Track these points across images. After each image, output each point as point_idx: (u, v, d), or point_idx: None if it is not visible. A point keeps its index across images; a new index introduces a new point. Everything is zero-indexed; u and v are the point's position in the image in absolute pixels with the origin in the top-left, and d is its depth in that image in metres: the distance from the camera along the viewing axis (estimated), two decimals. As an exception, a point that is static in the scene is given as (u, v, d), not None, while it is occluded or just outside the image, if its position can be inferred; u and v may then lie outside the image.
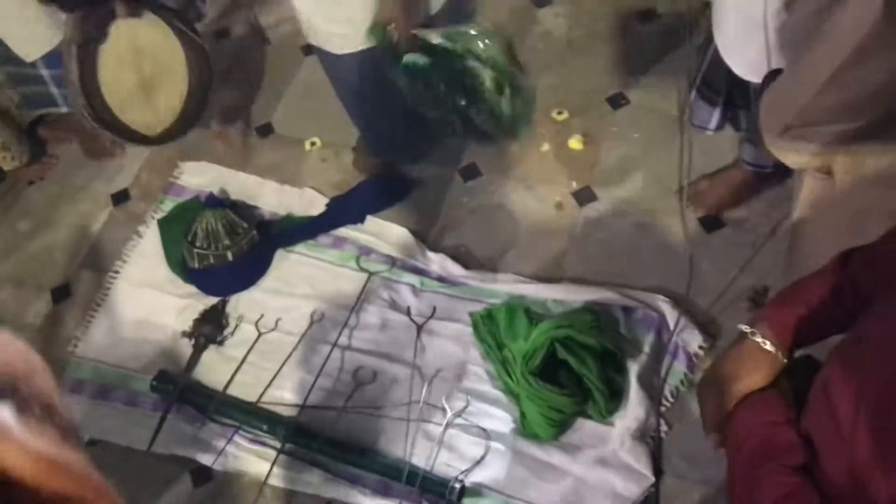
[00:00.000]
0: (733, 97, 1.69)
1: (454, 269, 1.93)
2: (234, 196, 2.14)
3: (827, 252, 1.16)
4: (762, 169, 1.80)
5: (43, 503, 0.27)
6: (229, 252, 1.93)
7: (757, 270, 1.79)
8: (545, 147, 2.11)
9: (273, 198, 2.14)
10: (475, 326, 1.81)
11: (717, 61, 1.53)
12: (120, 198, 2.26)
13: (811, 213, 1.33)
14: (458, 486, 1.64)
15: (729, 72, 1.49)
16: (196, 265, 1.95)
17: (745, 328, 0.98)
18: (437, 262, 1.95)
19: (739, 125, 1.77)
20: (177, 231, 2.01)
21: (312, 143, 2.23)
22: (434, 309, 1.87)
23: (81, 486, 0.27)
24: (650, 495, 1.60)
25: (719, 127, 1.77)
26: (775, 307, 0.98)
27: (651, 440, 1.66)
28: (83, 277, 2.12)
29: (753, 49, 1.36)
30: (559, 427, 1.67)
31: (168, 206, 2.17)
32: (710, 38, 1.55)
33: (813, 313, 0.94)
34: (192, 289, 1.99)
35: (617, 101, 2.17)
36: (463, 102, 1.68)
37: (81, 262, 2.15)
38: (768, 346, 0.96)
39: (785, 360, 0.96)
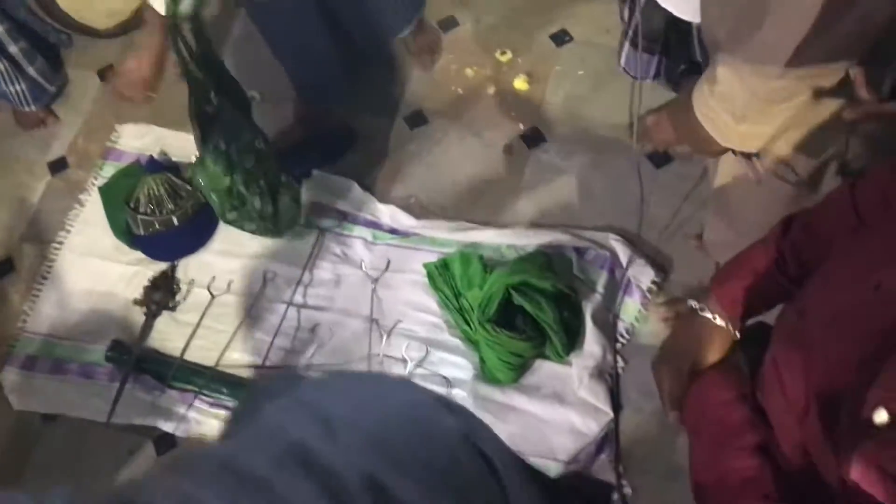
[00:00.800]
0: (670, 43, 1.65)
1: (405, 220, 1.91)
2: (175, 158, 2.08)
3: (748, 214, 1.17)
4: None
5: None
6: (174, 216, 1.88)
7: (701, 202, 1.80)
8: (491, 90, 2.09)
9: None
10: (430, 277, 1.80)
11: (652, 5, 1.49)
12: (57, 166, 2.19)
13: (732, 185, 1.36)
14: (422, 434, 1.65)
15: (666, 17, 1.45)
16: (141, 232, 1.90)
17: (695, 304, 0.99)
18: (388, 214, 1.93)
19: (673, 77, 1.73)
20: (119, 197, 1.95)
21: (252, 98, 2.16)
22: (388, 261, 1.86)
23: None
24: (610, 430, 1.64)
25: (657, 75, 1.74)
26: (721, 281, 0.99)
27: (609, 377, 1.69)
28: (25, 251, 2.06)
29: None
30: (518, 370, 1.69)
31: (108, 172, 2.11)
32: None
33: (759, 283, 0.94)
34: (139, 255, 1.95)
35: (560, 39, 2.14)
36: None
37: (22, 236, 2.09)
38: (718, 321, 0.97)
39: (736, 333, 0.97)
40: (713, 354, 0.97)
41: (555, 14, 2.17)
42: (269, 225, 1.80)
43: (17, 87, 2.12)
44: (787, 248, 0.92)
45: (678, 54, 1.59)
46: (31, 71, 2.14)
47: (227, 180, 1.66)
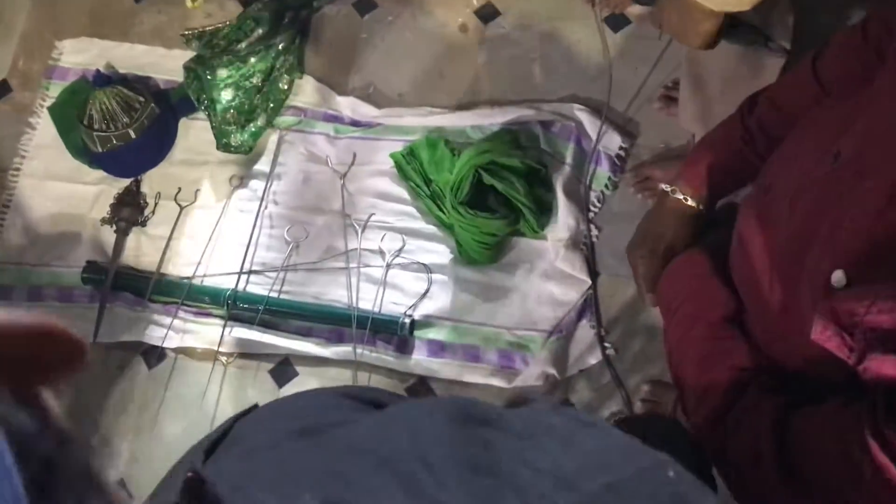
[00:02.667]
0: None
1: (367, 111, 1.88)
2: (122, 70, 2.01)
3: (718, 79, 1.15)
4: None
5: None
6: (131, 130, 1.83)
7: (667, 63, 1.79)
8: (440, -33, 2.02)
9: (164, 65, 2.02)
10: (398, 166, 1.80)
11: None
12: (0, 90, 2.11)
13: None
14: (407, 320, 1.69)
15: None
16: (99, 149, 1.85)
17: (666, 187, 1.00)
18: (348, 106, 1.89)
19: None
20: (70, 117, 1.89)
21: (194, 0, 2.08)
22: (354, 155, 1.85)
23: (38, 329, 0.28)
24: (589, 297, 1.68)
25: None
26: (691, 163, 1.00)
27: (584, 246, 1.72)
28: (-18, 182, 2.01)
29: None
30: (495, 249, 1.71)
31: (55, 91, 2.03)
32: None
33: (728, 162, 0.95)
34: (101, 174, 1.91)
35: None
36: None
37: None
38: (689, 202, 0.98)
39: (705, 211, 0.98)
40: (685, 235, 0.99)
41: None
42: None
43: None
44: (753, 124, 0.93)
45: None
46: None
47: None
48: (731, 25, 1.07)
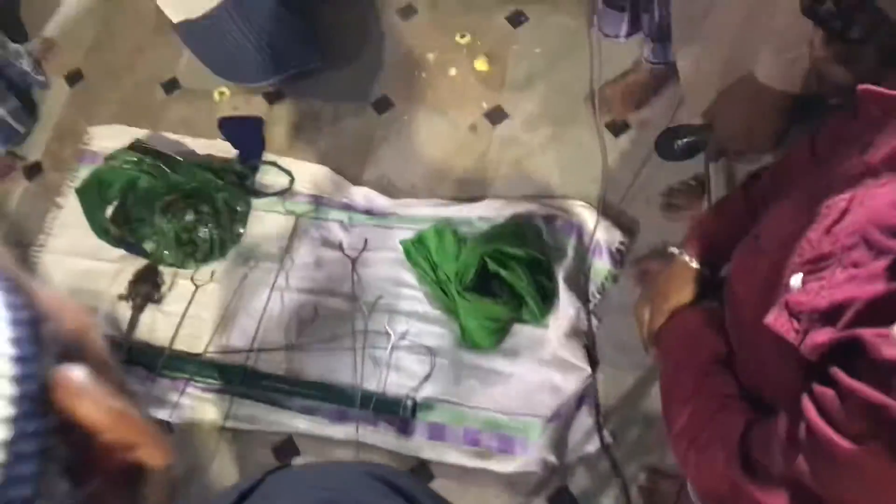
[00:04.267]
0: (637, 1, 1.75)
1: (379, 201, 1.98)
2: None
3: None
4: (664, 65, 1.88)
5: (111, 448, 0.32)
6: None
7: (666, 167, 1.89)
8: (453, 71, 2.16)
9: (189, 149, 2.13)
10: (407, 253, 1.87)
11: None
12: (33, 171, 2.22)
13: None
14: (409, 402, 1.73)
15: None
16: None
17: (674, 250, 1.10)
18: (362, 196, 2.00)
19: (642, 27, 1.83)
20: (96, 198, 2.00)
21: (221, 93, 2.22)
22: (365, 241, 1.93)
23: (140, 432, 0.33)
24: (588, 385, 1.72)
25: (629, 33, 1.83)
26: (698, 228, 1.11)
27: (584, 335, 1.78)
28: (6, 256, 2.08)
29: None
30: (498, 335, 1.77)
31: (83, 173, 2.14)
32: None
33: (732, 230, 1.05)
34: (122, 253, 1.99)
35: (516, 20, 2.22)
36: None
37: (2, 242, 2.11)
38: (693, 264, 1.07)
39: (708, 273, 1.07)
40: (687, 294, 1.08)
41: (509, -3, 2.25)
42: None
43: None
44: (755, 194, 1.02)
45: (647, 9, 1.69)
46: (1, 112, 2.14)
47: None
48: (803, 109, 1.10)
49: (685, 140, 1.39)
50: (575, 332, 1.76)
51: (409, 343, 1.81)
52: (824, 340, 0.64)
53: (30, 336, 0.30)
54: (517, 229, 1.84)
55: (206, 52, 2.07)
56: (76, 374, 0.31)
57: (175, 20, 1.94)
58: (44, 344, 0.30)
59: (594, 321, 1.80)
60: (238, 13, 1.90)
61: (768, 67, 0.99)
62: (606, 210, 1.89)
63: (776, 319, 0.70)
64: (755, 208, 1.02)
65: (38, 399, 0.29)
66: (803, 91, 1.02)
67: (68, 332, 0.33)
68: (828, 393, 0.63)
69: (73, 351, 0.33)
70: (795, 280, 0.71)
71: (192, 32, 1.98)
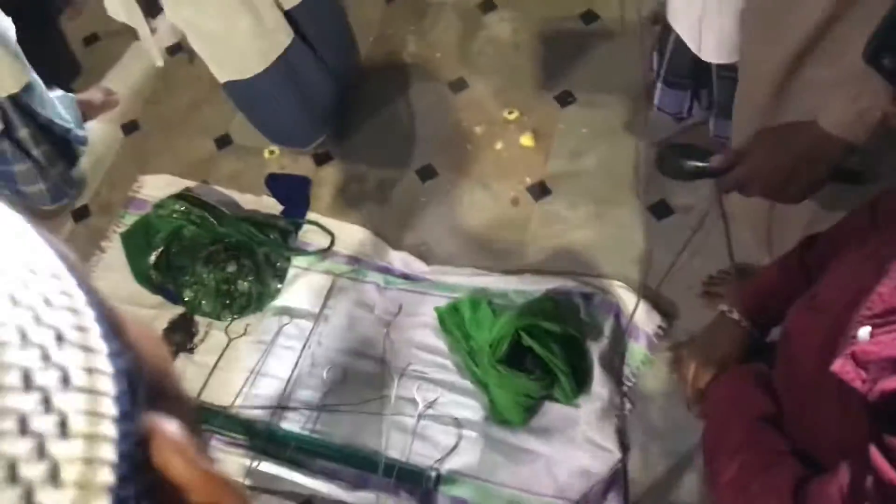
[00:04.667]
0: (698, 79, 1.76)
1: (417, 266, 1.99)
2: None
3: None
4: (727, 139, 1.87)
5: None
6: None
7: (706, 252, 1.87)
8: (499, 145, 2.19)
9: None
10: (441, 320, 1.86)
11: (680, 48, 1.61)
12: (80, 215, 2.27)
13: None
14: (433, 474, 1.69)
15: (694, 56, 1.57)
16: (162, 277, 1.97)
17: (724, 307, 1.10)
18: (400, 260, 2.00)
19: (703, 102, 1.84)
20: (142, 243, 2.03)
21: (272, 152, 2.27)
22: (400, 306, 1.93)
23: (229, 495, 0.31)
24: (618, 470, 1.68)
25: (691, 108, 1.85)
26: (750, 289, 1.11)
27: (616, 418, 1.73)
28: (47, 296, 2.11)
29: (713, 35, 1.45)
30: (528, 412, 1.73)
31: (129, 220, 2.19)
32: (668, 28, 1.64)
33: (784, 292, 1.04)
34: (159, 299, 2.01)
35: (564, 99, 2.25)
36: None
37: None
38: (744, 324, 1.07)
39: (757, 334, 1.07)
40: (736, 352, 1.08)
41: (559, 77, 2.28)
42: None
43: (39, 188, 2.19)
44: (810, 259, 1.02)
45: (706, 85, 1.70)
46: (53, 173, 2.20)
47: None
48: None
49: (697, 164, 1.31)
50: (607, 415, 1.73)
51: (436, 413, 1.79)
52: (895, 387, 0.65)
53: (129, 389, 0.28)
54: (554, 305, 1.82)
55: (251, 112, 2.12)
56: (171, 428, 0.29)
57: (221, 80, 1.99)
58: (140, 396, 0.29)
59: (627, 404, 1.77)
60: (284, 77, 1.95)
61: (837, 114, 0.97)
62: (645, 292, 1.87)
63: (842, 367, 0.70)
64: (809, 271, 1.02)
65: (135, 459, 0.27)
66: (863, 146, 1.00)
67: (152, 371, 0.31)
68: None
69: (156, 392, 0.31)
70: (863, 332, 0.71)
71: (238, 92, 2.03)
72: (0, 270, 0.27)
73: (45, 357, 0.26)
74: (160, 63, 2.08)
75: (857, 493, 0.66)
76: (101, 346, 0.28)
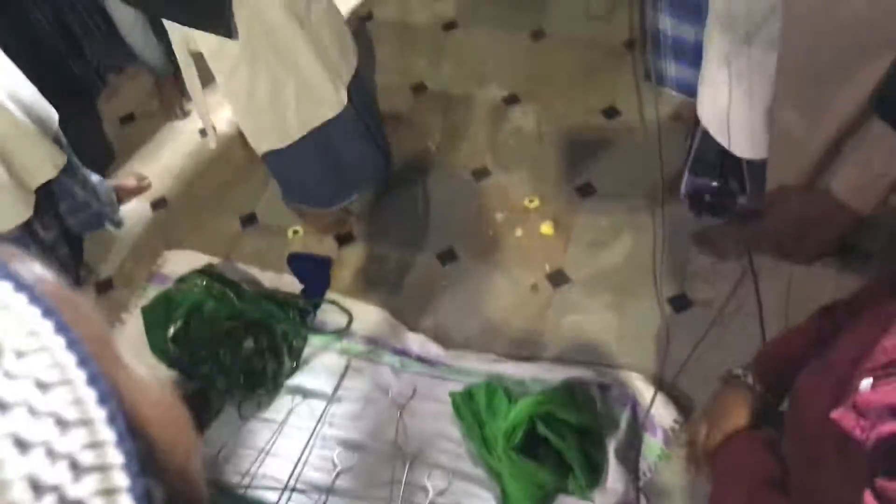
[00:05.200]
0: (725, 169, 1.78)
1: (433, 350, 1.98)
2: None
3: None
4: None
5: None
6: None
7: (724, 347, 1.86)
8: (519, 232, 2.21)
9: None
10: (455, 406, 1.84)
11: (707, 139, 1.63)
12: (104, 287, 2.30)
13: None
14: (441, 565, 1.64)
15: (721, 149, 1.59)
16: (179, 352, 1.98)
17: (737, 371, 1.10)
18: (417, 343, 2.00)
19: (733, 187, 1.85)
20: (162, 316, 2.04)
21: (295, 232, 2.30)
22: (414, 389, 1.91)
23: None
24: (632, 569, 1.62)
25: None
26: (763, 354, 1.11)
27: (631, 514, 1.69)
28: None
29: (743, 131, 1.48)
30: (541, 503, 1.69)
31: (151, 293, 2.21)
32: (697, 121, 1.67)
33: (798, 359, 1.04)
34: (173, 374, 2.01)
35: (585, 191, 2.28)
36: None
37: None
38: (757, 388, 1.07)
39: (770, 399, 1.06)
40: (745, 417, 1.07)
41: (581, 169, 2.32)
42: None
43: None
44: (827, 326, 1.02)
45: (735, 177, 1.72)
46: (58, 255, 2.22)
47: None
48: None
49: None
50: (622, 510, 1.68)
51: (446, 501, 1.75)
52: (892, 430, 0.65)
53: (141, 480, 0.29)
54: (570, 395, 1.80)
55: (285, 177, 2.15)
56: None
57: (260, 152, 2.02)
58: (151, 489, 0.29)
59: (643, 500, 1.72)
60: (320, 143, 1.98)
61: (849, 179, 0.99)
62: (662, 385, 1.84)
63: (842, 416, 0.71)
64: (825, 338, 1.01)
65: None
66: (869, 216, 1.03)
67: (172, 465, 0.32)
68: (890, 486, 0.62)
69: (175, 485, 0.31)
70: (865, 384, 0.72)
71: (276, 160, 2.04)
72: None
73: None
74: (213, 145, 2.14)
75: None
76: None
